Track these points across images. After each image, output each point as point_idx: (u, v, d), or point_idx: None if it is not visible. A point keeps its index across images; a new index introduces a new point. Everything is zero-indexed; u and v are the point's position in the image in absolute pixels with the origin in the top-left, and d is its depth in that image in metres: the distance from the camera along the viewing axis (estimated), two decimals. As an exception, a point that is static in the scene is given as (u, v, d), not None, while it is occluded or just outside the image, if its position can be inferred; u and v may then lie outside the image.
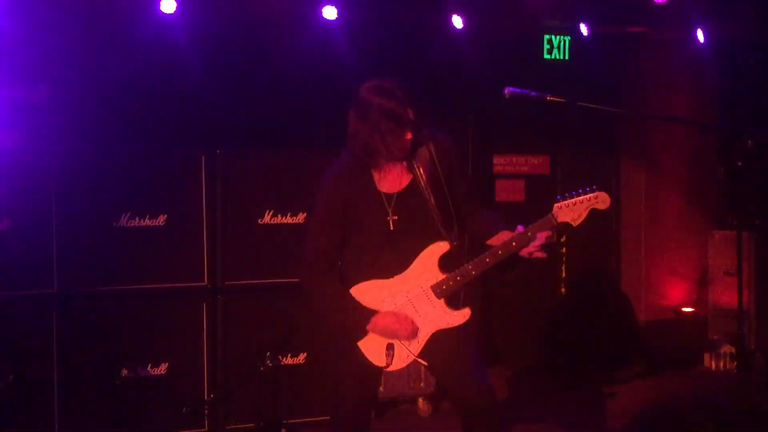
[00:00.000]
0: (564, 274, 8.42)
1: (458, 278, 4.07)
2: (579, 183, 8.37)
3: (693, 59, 8.19)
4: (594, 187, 4.05)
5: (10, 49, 6.25)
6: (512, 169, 8.16)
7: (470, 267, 4.07)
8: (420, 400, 6.59)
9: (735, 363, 7.65)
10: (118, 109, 6.58)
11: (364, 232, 4.14)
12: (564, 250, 8.39)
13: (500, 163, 8.16)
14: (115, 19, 6.48)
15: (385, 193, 4.13)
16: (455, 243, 4.11)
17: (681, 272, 8.57)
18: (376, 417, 6.48)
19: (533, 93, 4.15)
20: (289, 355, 6.16)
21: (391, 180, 4.15)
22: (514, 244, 4.04)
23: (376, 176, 4.13)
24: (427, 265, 4.11)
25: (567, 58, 8.06)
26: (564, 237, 8.38)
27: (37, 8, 6.27)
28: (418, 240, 4.11)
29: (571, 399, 7.17)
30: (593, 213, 4.06)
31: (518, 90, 4.15)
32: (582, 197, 4.03)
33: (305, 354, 6.20)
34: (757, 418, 5.90)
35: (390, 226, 4.10)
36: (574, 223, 4.05)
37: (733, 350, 7.73)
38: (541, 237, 4.03)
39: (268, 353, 5.95)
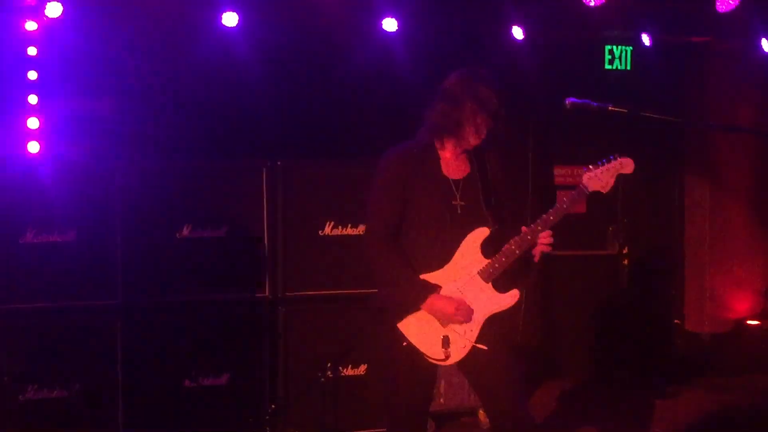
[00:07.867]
0: (626, 285, 8.33)
1: (503, 259, 4.18)
2: (641, 195, 8.39)
3: (758, 68, 8.08)
4: (616, 155, 4.29)
5: (75, 63, 6.36)
6: (573, 180, 8.09)
7: (513, 246, 4.17)
8: (480, 412, 6.54)
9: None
10: (180, 122, 6.66)
11: (427, 216, 4.20)
12: (626, 261, 8.31)
13: (561, 174, 8.11)
14: (178, 32, 6.57)
15: (452, 179, 4.24)
16: (495, 227, 4.22)
17: (746, 284, 8.44)
18: (436, 430, 6.46)
19: (594, 103, 4.14)
20: (350, 366, 6.17)
21: (455, 167, 4.27)
22: (551, 218, 4.17)
23: (443, 161, 4.25)
24: (470, 252, 4.20)
25: (629, 68, 8.01)
26: (626, 248, 8.29)
27: (102, 23, 6.36)
28: (476, 227, 4.20)
29: (630, 413, 7.07)
30: (620, 179, 4.31)
31: (579, 101, 4.15)
32: (608, 165, 4.26)
33: (366, 365, 6.20)
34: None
35: (458, 210, 4.21)
36: (604, 191, 4.28)
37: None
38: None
39: (328, 364, 5.96)
